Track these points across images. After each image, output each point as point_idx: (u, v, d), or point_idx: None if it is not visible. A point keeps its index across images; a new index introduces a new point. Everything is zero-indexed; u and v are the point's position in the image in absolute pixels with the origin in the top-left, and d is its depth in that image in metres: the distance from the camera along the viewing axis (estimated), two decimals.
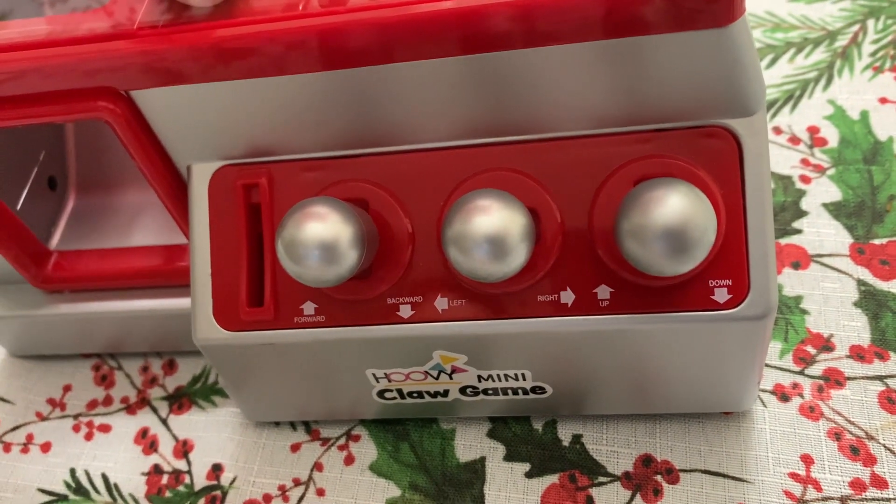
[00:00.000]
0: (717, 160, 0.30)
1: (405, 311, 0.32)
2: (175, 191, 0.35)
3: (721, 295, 0.30)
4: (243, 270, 0.33)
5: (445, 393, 0.36)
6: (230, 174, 0.33)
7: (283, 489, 0.39)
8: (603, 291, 0.31)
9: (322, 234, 0.28)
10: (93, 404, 0.44)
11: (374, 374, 0.35)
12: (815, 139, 0.45)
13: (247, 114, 0.31)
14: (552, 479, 0.36)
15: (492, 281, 0.28)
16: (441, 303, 0.32)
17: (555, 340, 0.32)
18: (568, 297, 0.31)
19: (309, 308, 0.33)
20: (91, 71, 0.30)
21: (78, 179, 0.44)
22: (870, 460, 0.34)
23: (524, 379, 0.35)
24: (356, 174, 0.32)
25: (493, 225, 0.27)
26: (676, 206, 0.26)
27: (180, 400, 0.43)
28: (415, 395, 0.37)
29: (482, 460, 0.38)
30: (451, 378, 0.35)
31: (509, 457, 0.37)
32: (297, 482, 0.39)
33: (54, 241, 0.42)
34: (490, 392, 0.36)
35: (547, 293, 0.31)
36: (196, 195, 0.34)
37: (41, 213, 0.42)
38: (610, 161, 0.31)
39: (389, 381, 0.36)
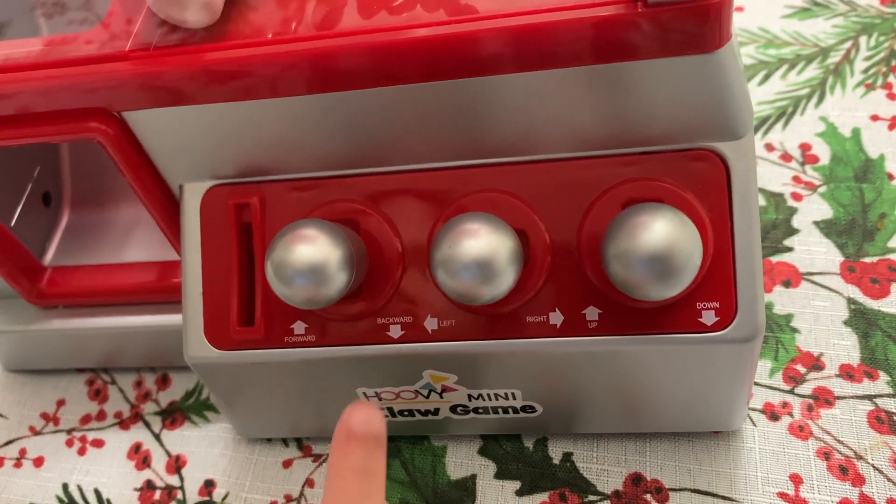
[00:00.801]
0: (704, 183, 0.30)
1: (395, 331, 0.32)
2: (167, 209, 0.35)
3: (709, 317, 0.30)
4: (234, 290, 0.33)
5: (436, 411, 0.37)
6: (222, 194, 0.33)
7: None
8: (591, 313, 0.31)
9: (311, 256, 0.28)
10: (86, 419, 0.44)
11: (364, 393, 0.36)
12: (807, 156, 0.45)
13: (238, 135, 0.31)
14: (542, 497, 0.36)
15: (480, 304, 0.28)
16: (431, 323, 0.32)
17: (544, 361, 0.32)
18: (557, 318, 0.31)
19: (299, 328, 0.33)
20: (83, 92, 0.30)
21: (72, 195, 0.44)
22: (858, 480, 0.34)
23: (514, 398, 0.35)
24: (347, 194, 0.33)
25: (481, 249, 0.27)
26: (662, 231, 0.26)
27: (173, 415, 0.43)
28: (406, 413, 0.37)
29: (473, 478, 0.38)
30: (441, 397, 0.35)
31: (500, 475, 0.37)
32: (288, 498, 0.39)
33: (48, 257, 0.42)
34: (480, 411, 0.36)
35: (536, 314, 0.31)
36: (188, 214, 0.34)
37: (35, 229, 0.42)
38: (598, 183, 0.31)
39: (380, 399, 0.36)
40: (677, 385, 0.33)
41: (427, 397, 0.35)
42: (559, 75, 0.28)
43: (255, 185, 0.33)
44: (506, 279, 0.28)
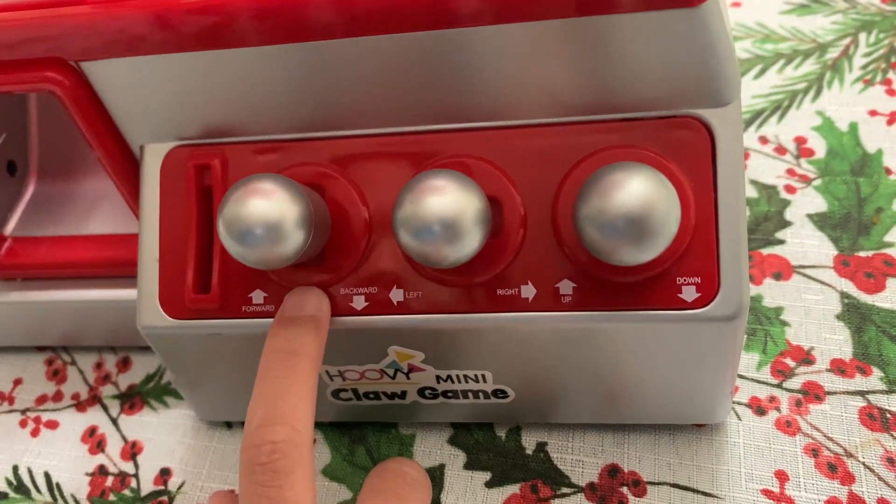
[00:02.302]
0: (688, 152, 0.29)
1: (359, 302, 0.31)
2: (127, 172, 0.33)
3: (689, 293, 0.28)
4: (191, 255, 0.31)
5: (403, 394, 0.35)
6: (183, 155, 0.32)
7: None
8: (565, 286, 0.29)
9: (266, 211, 0.26)
10: (42, 399, 0.42)
11: (327, 372, 0.34)
12: (802, 149, 0.44)
13: (202, 89, 0.30)
14: (513, 489, 0.34)
15: (444, 266, 0.27)
16: (396, 294, 0.30)
17: (515, 337, 0.30)
18: (529, 291, 0.29)
19: (258, 297, 0.31)
20: (37, 39, 0.29)
21: (39, 166, 0.42)
22: (848, 478, 0.32)
23: (485, 381, 0.33)
24: (312, 157, 0.31)
25: (445, 206, 0.26)
26: (638, 190, 0.25)
27: (132, 399, 0.41)
28: (371, 395, 0.35)
29: (441, 468, 0.36)
30: (408, 378, 0.33)
31: (470, 465, 0.35)
32: None
33: (9, 227, 0.41)
34: (450, 395, 0.34)
35: (507, 287, 0.30)
36: (148, 176, 0.32)
37: None
38: (576, 150, 0.29)
39: (344, 379, 0.34)
40: (656, 369, 0.31)
41: (393, 378, 0.33)
42: (535, 29, 0.27)
43: (218, 147, 0.32)
44: (471, 241, 0.26)
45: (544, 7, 0.26)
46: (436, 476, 0.35)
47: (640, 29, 0.26)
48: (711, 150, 0.29)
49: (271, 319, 0.31)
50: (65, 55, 0.30)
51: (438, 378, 0.33)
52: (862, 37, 0.49)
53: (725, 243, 0.28)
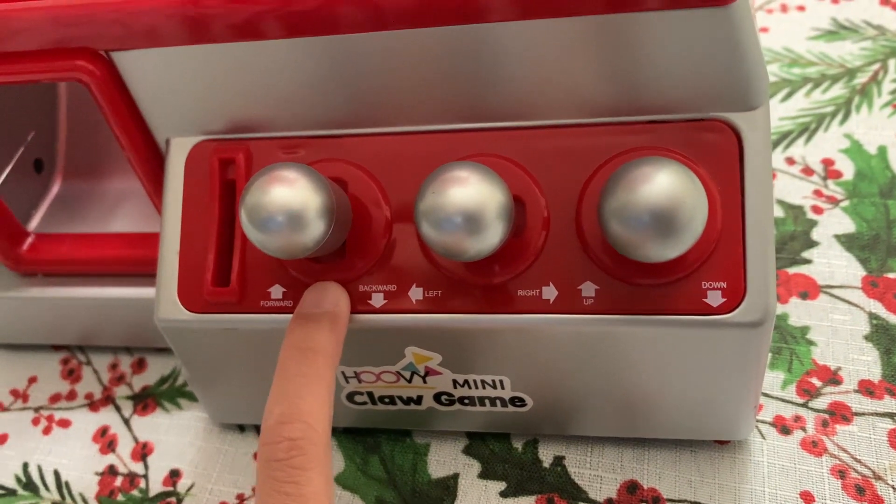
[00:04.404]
0: (715, 156, 0.28)
1: (377, 299, 0.30)
2: (152, 164, 0.33)
3: (714, 298, 0.28)
4: (212, 248, 0.31)
5: (419, 399, 0.34)
6: (208, 149, 0.32)
7: (241, 498, 0.36)
8: (588, 289, 0.29)
9: (289, 199, 0.26)
10: (56, 398, 0.42)
11: (343, 373, 0.33)
12: (830, 171, 0.43)
13: (229, 82, 0.30)
14: (528, 500, 0.33)
15: (465, 259, 0.26)
16: (416, 293, 0.30)
17: (535, 340, 0.30)
18: (550, 292, 0.29)
19: (277, 292, 0.31)
20: (68, 28, 0.29)
21: (66, 165, 0.43)
22: (876, 501, 0.31)
23: (502, 387, 0.32)
24: (337, 154, 0.31)
25: (468, 197, 0.25)
26: (665, 183, 0.24)
27: (145, 400, 0.41)
28: (386, 400, 0.34)
29: (455, 477, 0.35)
30: (424, 381, 0.33)
31: (484, 474, 0.35)
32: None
33: (34, 224, 0.41)
34: (466, 401, 0.34)
35: (528, 288, 0.29)
36: (172, 169, 0.32)
37: (23, 194, 0.41)
38: (601, 152, 0.29)
39: (359, 381, 0.33)
40: (679, 378, 0.30)
41: (409, 381, 0.33)
42: (563, 25, 0.27)
43: (243, 142, 0.32)
44: (493, 234, 0.26)
45: (572, 3, 0.26)
46: (449, 485, 0.35)
47: (668, 28, 0.26)
48: (739, 154, 0.28)
49: (290, 315, 0.31)
50: (95, 45, 0.30)
51: (455, 383, 0.33)
52: (892, 63, 0.48)
53: (752, 248, 0.28)
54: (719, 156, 0.28)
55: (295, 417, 0.26)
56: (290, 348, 0.28)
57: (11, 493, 0.38)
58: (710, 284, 0.28)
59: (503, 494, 0.34)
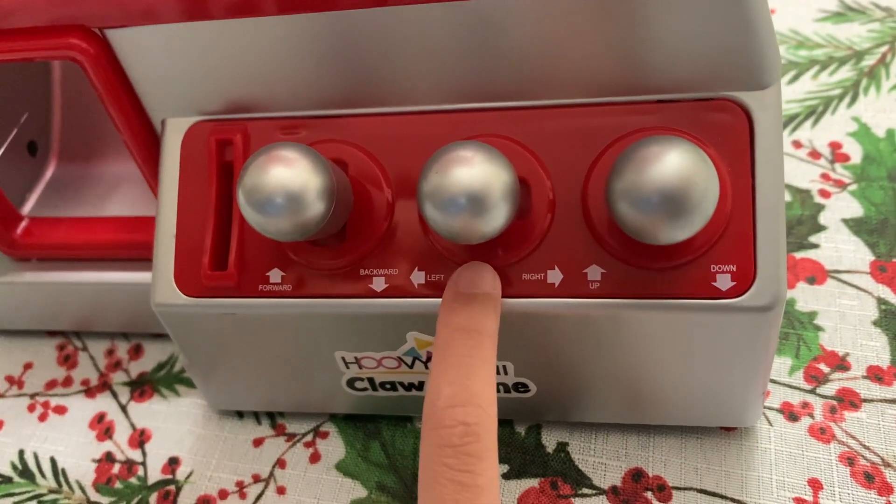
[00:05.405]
0: (725, 136, 0.28)
1: (378, 283, 0.30)
2: (149, 148, 0.33)
3: (724, 282, 0.27)
4: (209, 231, 0.31)
5: (420, 385, 0.33)
6: (205, 130, 0.31)
7: (240, 485, 0.36)
8: (594, 272, 0.28)
9: (288, 180, 0.26)
10: (52, 384, 0.41)
11: (343, 358, 0.33)
12: (837, 154, 0.42)
13: (226, 61, 0.29)
14: (532, 482, 0.33)
15: (469, 242, 0.26)
16: (417, 277, 0.29)
17: (539, 324, 0.29)
18: (555, 276, 0.28)
19: (275, 276, 0.30)
20: (61, 5, 0.29)
21: (60, 148, 0.42)
22: (886, 489, 0.31)
23: (505, 373, 0.32)
24: (336, 135, 0.30)
25: (473, 178, 0.25)
26: (675, 163, 0.23)
27: (143, 387, 0.40)
28: (387, 386, 0.34)
29: None
30: (426, 367, 0.32)
31: None
32: (256, 478, 0.36)
33: (28, 207, 0.40)
34: None
35: (533, 271, 0.29)
36: (168, 151, 0.32)
37: (16, 177, 0.40)
38: (608, 132, 0.28)
39: (360, 367, 0.33)
40: (686, 363, 0.30)
41: (411, 367, 0.32)
42: (569, 0, 0.26)
43: (240, 122, 0.31)
44: (498, 216, 0.25)
45: None
46: None
47: (678, 3, 0.25)
48: (750, 134, 0.28)
49: (288, 300, 0.30)
50: (89, 22, 0.29)
51: None
52: None
53: (763, 231, 0.27)
54: (729, 136, 0.28)
55: (468, 401, 0.24)
56: (455, 329, 0.26)
57: (7, 480, 0.38)
58: (720, 268, 0.27)
59: (506, 476, 0.33)
